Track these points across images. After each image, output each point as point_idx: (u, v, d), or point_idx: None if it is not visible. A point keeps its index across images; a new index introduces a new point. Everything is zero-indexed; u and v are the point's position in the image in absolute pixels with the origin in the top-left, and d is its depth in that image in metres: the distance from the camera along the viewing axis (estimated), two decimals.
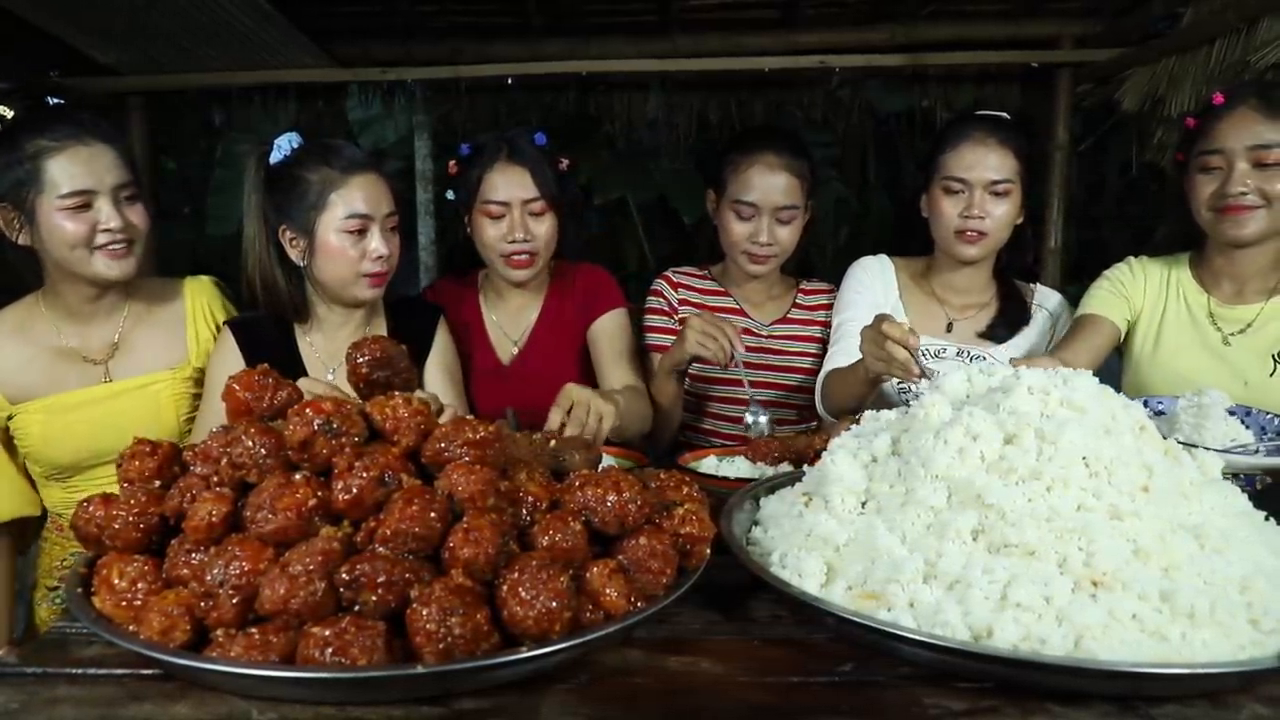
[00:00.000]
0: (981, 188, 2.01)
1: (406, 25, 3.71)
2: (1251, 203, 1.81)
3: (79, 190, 1.69)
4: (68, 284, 1.81)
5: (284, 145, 1.87)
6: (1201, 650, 0.89)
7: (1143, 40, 3.45)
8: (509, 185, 2.06)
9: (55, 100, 1.92)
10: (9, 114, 1.81)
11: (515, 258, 2.09)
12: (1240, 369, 1.90)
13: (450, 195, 2.19)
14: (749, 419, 1.96)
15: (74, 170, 1.69)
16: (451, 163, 2.18)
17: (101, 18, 3.12)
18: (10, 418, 1.83)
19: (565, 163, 2.17)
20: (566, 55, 3.79)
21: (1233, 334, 1.94)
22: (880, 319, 1.61)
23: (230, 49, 3.51)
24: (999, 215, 2.02)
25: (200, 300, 2.00)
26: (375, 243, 1.84)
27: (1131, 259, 2.11)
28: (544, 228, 2.09)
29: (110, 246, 1.73)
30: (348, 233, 1.82)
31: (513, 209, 2.06)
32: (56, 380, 1.83)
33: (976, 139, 2.02)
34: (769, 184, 2.17)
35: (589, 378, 2.20)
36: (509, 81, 4.03)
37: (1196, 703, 0.89)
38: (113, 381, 1.87)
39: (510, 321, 2.27)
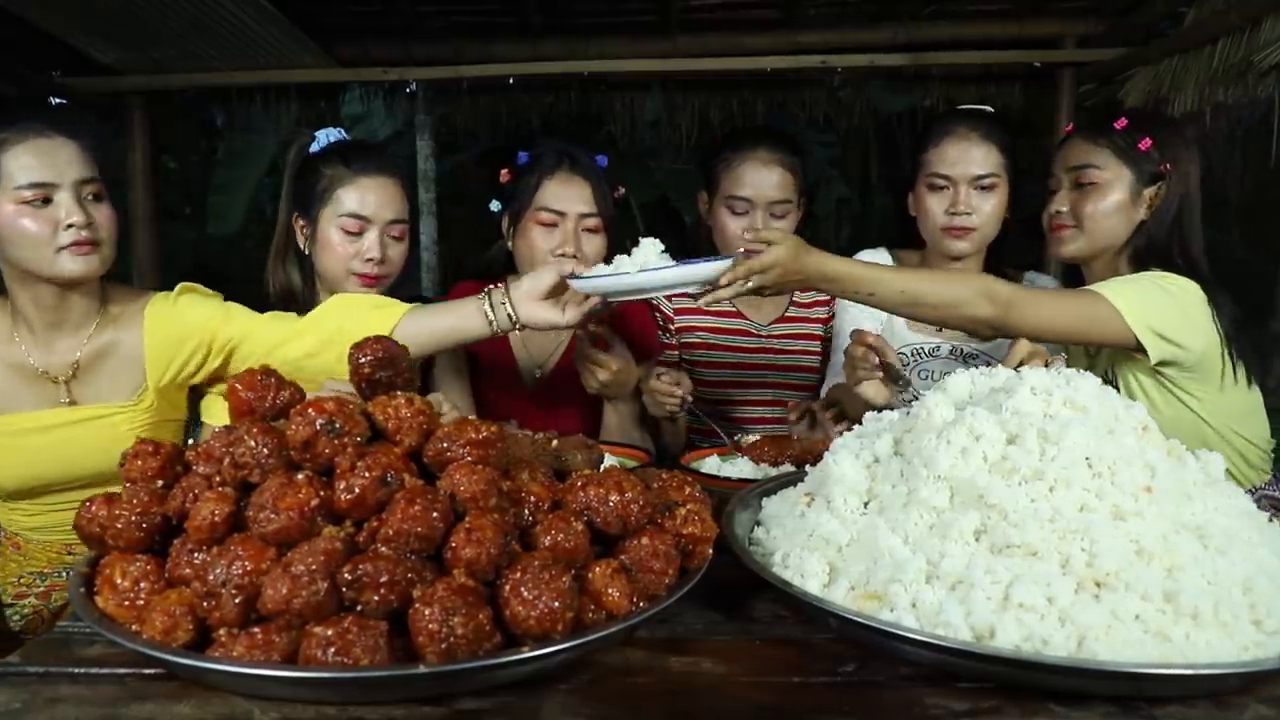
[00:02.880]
0: (966, 183, 2.01)
1: (407, 25, 3.71)
2: (1067, 221, 1.91)
3: (37, 183, 1.58)
4: (26, 290, 1.67)
5: (323, 139, 1.94)
6: (1205, 651, 0.89)
7: (1145, 40, 3.45)
8: (568, 196, 2.00)
9: (60, 99, 1.88)
10: None
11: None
12: None
13: (494, 206, 2.12)
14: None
15: (31, 162, 1.58)
16: (504, 170, 2.12)
17: (102, 18, 3.12)
18: None
19: (621, 190, 2.13)
20: (567, 55, 3.78)
21: None
22: (854, 343, 1.70)
23: (231, 48, 3.51)
24: (986, 210, 2.03)
25: (159, 316, 1.76)
26: (369, 244, 1.87)
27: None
28: (594, 246, 2.03)
29: (73, 245, 1.60)
30: (344, 231, 1.87)
31: (567, 220, 2.00)
32: (12, 398, 1.69)
33: (959, 134, 2.02)
34: (762, 179, 2.16)
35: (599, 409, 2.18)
36: (510, 81, 4.03)
37: (1199, 703, 0.89)
38: (75, 404, 1.72)
39: (538, 343, 2.20)
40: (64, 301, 1.68)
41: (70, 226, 1.59)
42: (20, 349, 1.70)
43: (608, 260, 2.09)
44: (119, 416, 1.73)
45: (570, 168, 2.03)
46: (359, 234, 1.86)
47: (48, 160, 1.59)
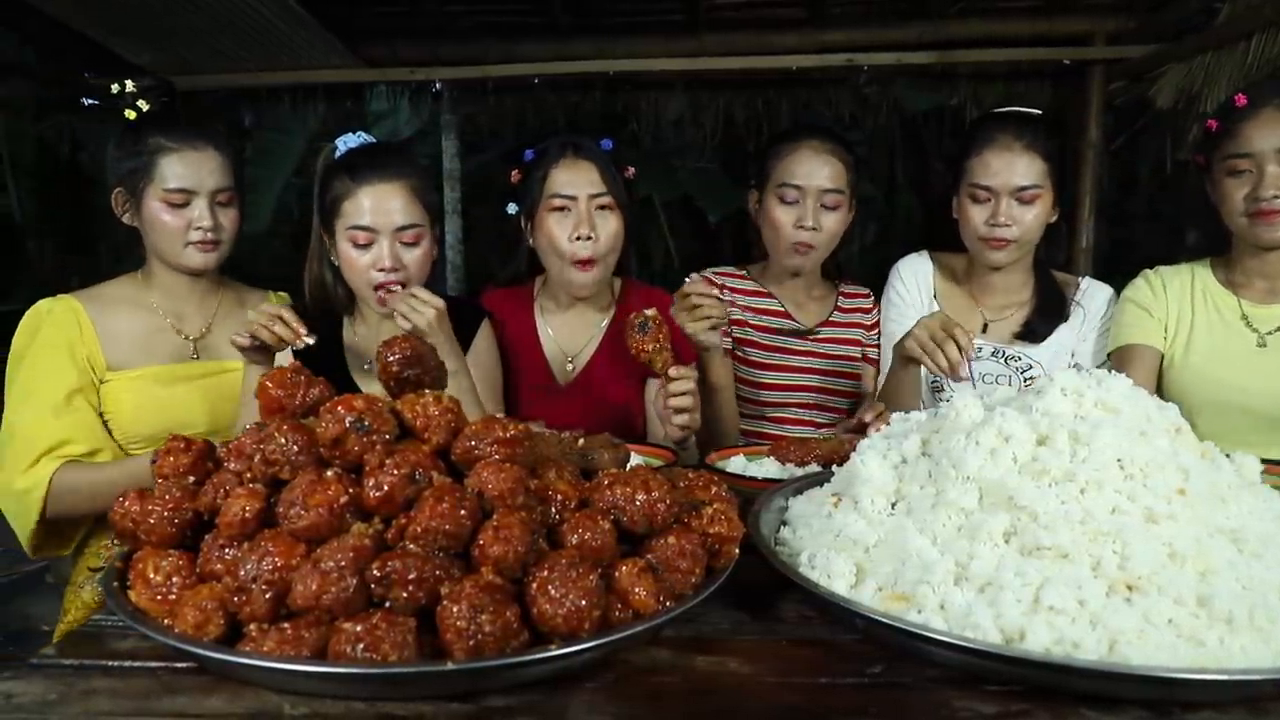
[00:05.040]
0: (1008, 194, 1.96)
1: (434, 25, 3.73)
2: None
3: (181, 188, 1.87)
4: (162, 267, 1.97)
5: (342, 146, 1.93)
6: (1239, 656, 0.88)
7: (1177, 36, 3.40)
8: (576, 180, 1.99)
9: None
10: (145, 108, 1.95)
11: (579, 260, 2.00)
12: (1277, 368, 1.89)
13: (511, 209, 2.11)
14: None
15: (181, 170, 1.87)
16: (514, 171, 2.11)
17: (123, 13, 3.16)
18: (103, 383, 1.88)
19: (631, 170, 2.10)
20: (593, 55, 3.79)
21: (1269, 333, 1.92)
22: (947, 320, 1.71)
23: (259, 49, 3.55)
24: (1027, 221, 1.98)
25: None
26: (379, 254, 1.83)
27: (1147, 273, 2.10)
28: (610, 228, 2.01)
29: (200, 243, 1.90)
30: (354, 244, 1.84)
31: (579, 204, 1.98)
32: (152, 353, 1.94)
33: (1002, 144, 1.97)
34: (813, 168, 2.12)
35: (641, 409, 2.15)
36: (535, 81, 4.04)
37: (1233, 709, 0.87)
38: (201, 359, 1.99)
39: (569, 338, 2.18)
40: (192, 281, 2.00)
41: (199, 228, 1.89)
42: (159, 313, 1.98)
43: (626, 249, 2.09)
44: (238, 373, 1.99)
45: (575, 153, 2.02)
46: (368, 246, 1.84)
47: (193, 169, 1.88)
